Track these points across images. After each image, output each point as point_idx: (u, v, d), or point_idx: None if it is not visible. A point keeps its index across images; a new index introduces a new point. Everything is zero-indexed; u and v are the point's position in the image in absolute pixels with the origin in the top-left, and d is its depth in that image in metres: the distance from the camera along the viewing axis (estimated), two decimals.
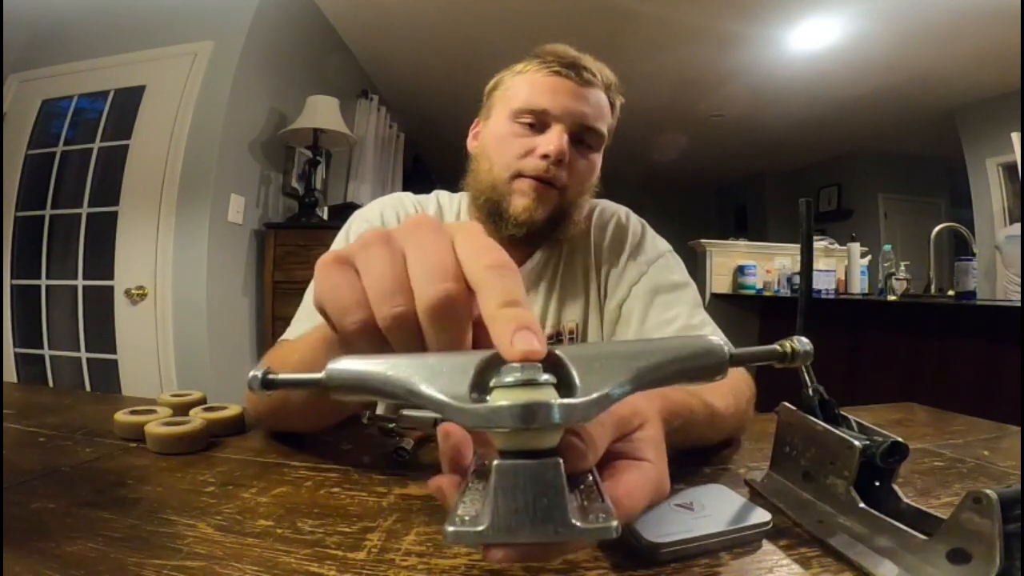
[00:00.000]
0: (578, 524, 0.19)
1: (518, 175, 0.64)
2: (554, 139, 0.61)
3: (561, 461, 0.20)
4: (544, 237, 0.69)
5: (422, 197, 0.77)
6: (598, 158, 0.69)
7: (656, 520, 0.32)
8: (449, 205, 0.77)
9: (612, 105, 0.69)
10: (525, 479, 0.20)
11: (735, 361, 0.23)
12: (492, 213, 0.65)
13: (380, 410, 0.29)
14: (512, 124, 0.65)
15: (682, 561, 0.30)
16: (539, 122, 0.64)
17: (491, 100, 0.71)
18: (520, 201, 0.63)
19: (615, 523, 0.20)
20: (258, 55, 2.25)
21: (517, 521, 0.19)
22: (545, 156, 0.62)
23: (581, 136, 0.65)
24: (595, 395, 0.20)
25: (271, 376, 0.23)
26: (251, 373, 0.23)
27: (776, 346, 0.24)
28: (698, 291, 0.71)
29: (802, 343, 0.24)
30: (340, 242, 0.72)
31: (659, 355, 0.22)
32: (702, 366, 0.23)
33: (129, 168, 2.12)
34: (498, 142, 0.66)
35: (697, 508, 0.33)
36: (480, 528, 0.20)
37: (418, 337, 0.23)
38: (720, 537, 0.31)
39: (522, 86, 0.65)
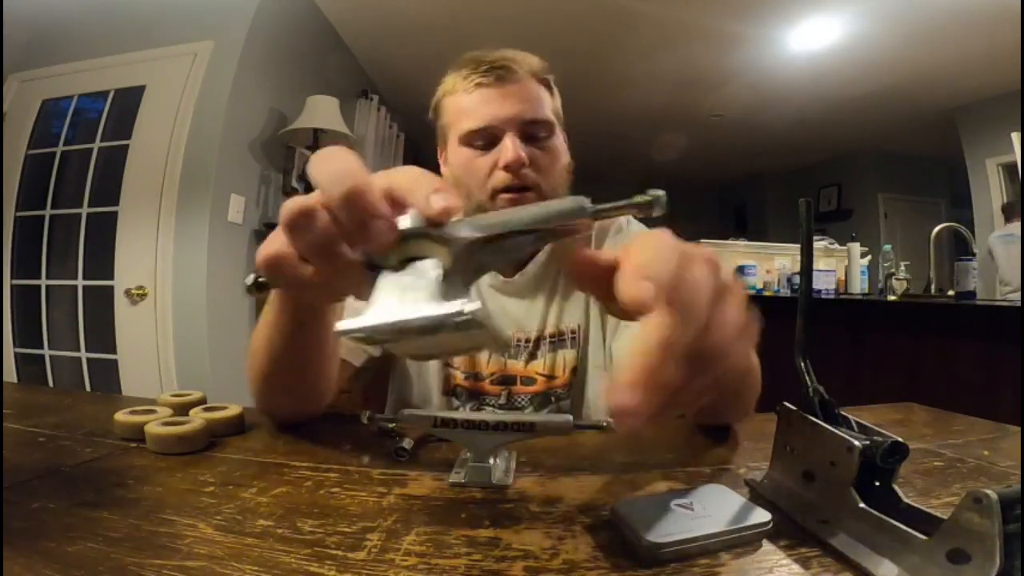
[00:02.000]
0: (435, 307, 0.22)
1: (494, 193, 0.66)
2: (508, 149, 0.63)
3: (440, 264, 0.24)
4: None
5: None
6: (557, 141, 0.69)
7: (656, 520, 0.32)
8: None
9: (548, 87, 0.69)
10: (411, 274, 0.24)
11: (597, 214, 0.27)
12: None
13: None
14: (467, 149, 0.67)
15: (682, 561, 0.30)
16: (488, 138, 0.65)
17: (440, 128, 0.72)
18: None
19: (468, 308, 0.22)
20: (258, 55, 2.25)
21: (393, 304, 0.23)
22: (507, 167, 0.64)
23: (531, 132, 0.66)
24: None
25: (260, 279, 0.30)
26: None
27: (635, 197, 0.27)
28: None
29: (656, 192, 0.27)
30: None
31: (535, 208, 0.27)
32: (569, 209, 0.27)
33: (129, 168, 2.12)
34: (464, 170, 0.67)
35: (697, 508, 0.33)
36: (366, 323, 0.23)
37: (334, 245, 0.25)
38: (720, 537, 0.31)
39: (458, 109, 0.67)
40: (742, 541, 0.31)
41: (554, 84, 0.70)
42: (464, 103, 0.66)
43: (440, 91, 0.71)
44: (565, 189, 0.71)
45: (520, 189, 0.65)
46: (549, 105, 0.68)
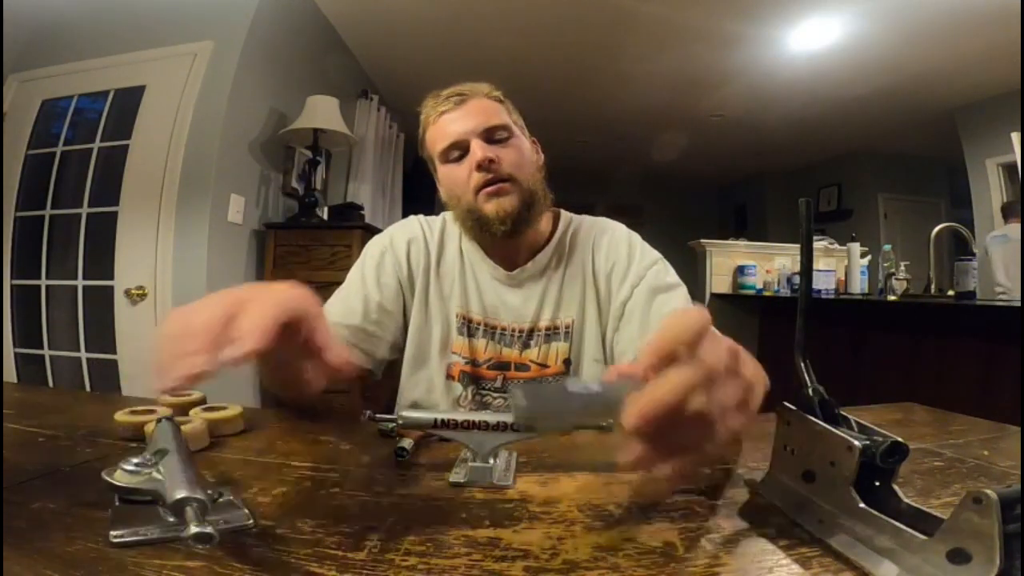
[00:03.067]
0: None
1: (476, 191, 0.74)
2: (477, 151, 0.73)
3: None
4: (531, 223, 0.77)
5: (430, 218, 0.87)
6: (520, 142, 0.78)
7: (539, 397, 0.33)
8: (452, 224, 0.85)
9: (499, 101, 0.80)
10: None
11: None
12: (482, 227, 0.75)
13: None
14: (447, 165, 0.77)
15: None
16: (461, 150, 0.76)
17: (428, 159, 0.83)
18: (490, 206, 0.74)
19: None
20: (258, 55, 2.25)
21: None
22: (479, 166, 0.73)
23: (493, 136, 0.76)
24: None
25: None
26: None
27: None
28: (688, 290, 0.80)
29: None
30: (356, 270, 0.82)
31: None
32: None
33: (129, 168, 2.12)
34: (450, 182, 0.78)
35: (578, 388, 0.32)
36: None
37: None
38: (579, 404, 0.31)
39: (432, 138, 0.79)
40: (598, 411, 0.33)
41: (505, 96, 0.81)
42: (435, 131, 0.78)
43: (420, 130, 0.81)
44: (540, 183, 0.79)
45: (496, 182, 0.74)
46: (505, 114, 0.78)
